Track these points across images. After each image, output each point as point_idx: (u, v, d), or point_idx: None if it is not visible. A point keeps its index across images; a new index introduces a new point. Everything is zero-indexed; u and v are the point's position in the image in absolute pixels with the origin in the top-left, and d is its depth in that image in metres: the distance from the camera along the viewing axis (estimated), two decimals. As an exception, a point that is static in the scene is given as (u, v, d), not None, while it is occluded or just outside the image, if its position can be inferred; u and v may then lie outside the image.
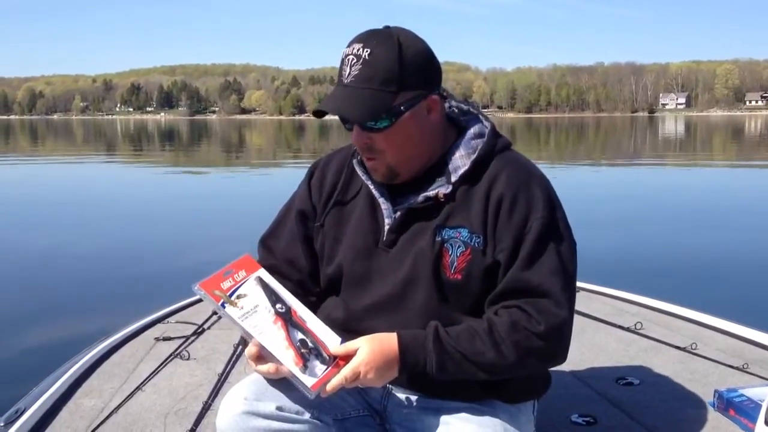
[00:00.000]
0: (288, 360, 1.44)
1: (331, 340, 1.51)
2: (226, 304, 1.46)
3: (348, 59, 1.51)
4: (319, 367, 1.46)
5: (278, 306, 1.51)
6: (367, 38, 1.51)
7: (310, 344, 1.47)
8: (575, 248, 1.59)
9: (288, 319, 1.50)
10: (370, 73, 1.49)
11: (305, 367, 1.44)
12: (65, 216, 11.04)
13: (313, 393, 1.44)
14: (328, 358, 1.47)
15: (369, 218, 1.64)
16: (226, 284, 1.49)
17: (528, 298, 1.50)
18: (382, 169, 1.58)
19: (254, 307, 1.49)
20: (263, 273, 1.56)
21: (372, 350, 1.46)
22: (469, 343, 1.48)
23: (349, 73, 1.50)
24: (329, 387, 1.44)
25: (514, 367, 1.50)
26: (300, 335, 1.48)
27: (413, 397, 1.64)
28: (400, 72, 1.50)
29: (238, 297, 1.48)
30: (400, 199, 1.62)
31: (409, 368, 1.49)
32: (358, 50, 1.50)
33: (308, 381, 1.43)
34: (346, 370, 1.44)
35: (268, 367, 1.47)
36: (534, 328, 1.48)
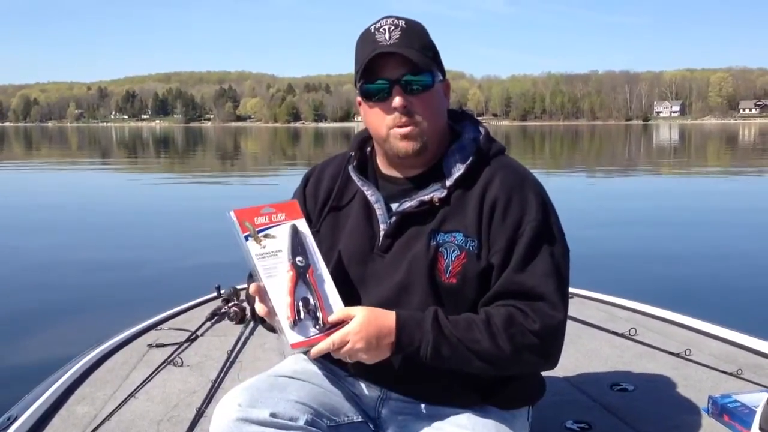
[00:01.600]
0: (281, 311, 1.45)
1: (335, 309, 1.50)
2: (250, 238, 1.47)
3: (385, 28, 1.55)
4: (311, 330, 1.45)
5: (298, 259, 1.50)
6: (395, 17, 1.58)
7: (311, 304, 1.47)
8: (568, 253, 1.60)
9: (302, 274, 1.49)
10: (411, 38, 1.55)
11: (295, 324, 1.44)
12: (59, 223, 11.01)
13: (291, 351, 1.44)
14: (323, 324, 1.46)
15: (364, 224, 1.65)
16: (259, 220, 1.50)
17: (522, 299, 1.51)
18: (416, 136, 1.57)
19: (276, 251, 1.49)
20: (301, 223, 1.55)
21: (367, 321, 1.45)
22: (467, 331, 1.48)
23: (391, 37, 1.54)
24: (315, 350, 1.44)
25: (508, 360, 1.49)
26: (306, 293, 1.48)
27: (408, 404, 1.64)
28: (431, 45, 1.59)
29: (266, 236, 1.49)
30: (394, 205, 1.62)
31: (403, 347, 1.48)
32: (394, 21, 1.56)
33: (291, 338, 1.43)
34: (335, 336, 1.44)
35: (261, 307, 1.50)
36: (530, 325, 1.48)
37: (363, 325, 1.45)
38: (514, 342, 1.48)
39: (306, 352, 1.48)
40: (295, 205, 1.58)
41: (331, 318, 1.47)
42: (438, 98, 1.60)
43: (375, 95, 1.57)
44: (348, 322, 1.46)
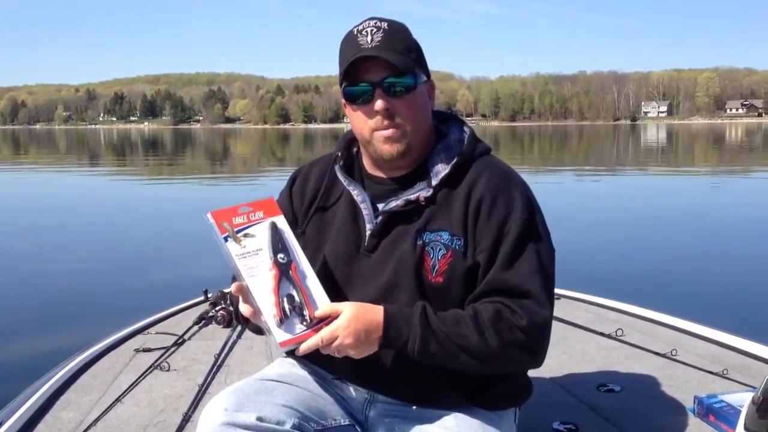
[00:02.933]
0: (267, 310, 1.43)
1: (321, 304, 1.49)
2: (229, 239, 1.46)
3: (367, 30, 1.56)
4: (298, 327, 1.45)
5: (280, 256, 1.49)
6: (378, 18, 1.59)
7: (296, 301, 1.46)
8: (554, 252, 1.61)
9: (285, 271, 1.48)
10: (394, 40, 1.56)
11: (281, 322, 1.43)
12: (44, 226, 10.91)
13: (281, 349, 1.43)
14: (309, 320, 1.45)
15: (350, 223, 1.65)
16: (238, 220, 1.49)
17: (509, 297, 1.52)
18: (399, 139, 1.58)
19: (256, 249, 1.48)
20: (280, 220, 1.54)
21: (355, 316, 1.45)
22: (454, 326, 1.48)
23: (373, 39, 1.54)
24: (303, 347, 1.44)
25: (495, 356, 1.49)
26: (290, 290, 1.47)
27: (395, 406, 1.64)
28: (414, 47, 1.59)
29: (245, 236, 1.48)
30: (381, 205, 1.63)
31: (390, 342, 1.48)
32: (376, 23, 1.57)
33: (279, 336, 1.43)
34: (324, 332, 1.44)
35: (247, 307, 1.48)
36: (517, 321, 1.49)
37: (351, 320, 1.44)
38: (502, 338, 1.48)
39: (294, 350, 1.47)
40: (273, 203, 1.57)
41: (318, 313, 1.46)
42: (421, 99, 1.60)
43: (358, 98, 1.58)
44: (335, 318, 1.46)
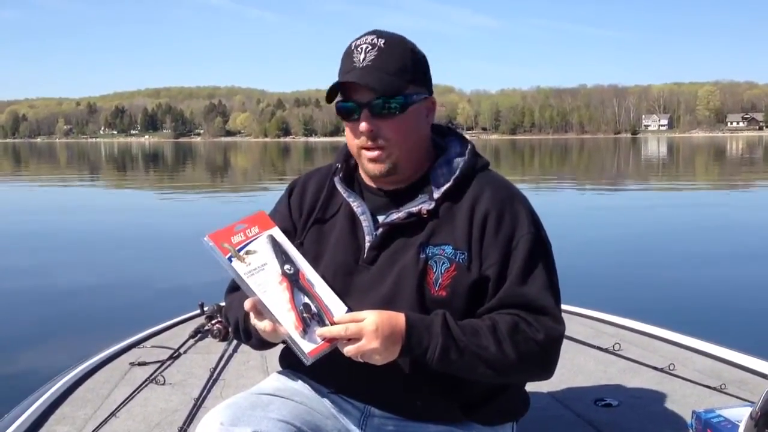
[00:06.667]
0: (288, 323, 1.42)
1: (337, 309, 1.48)
2: (233, 258, 1.45)
3: (362, 47, 1.55)
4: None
5: (287, 267, 1.48)
6: (379, 32, 1.58)
7: (313, 309, 1.45)
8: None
9: (294, 281, 1.47)
10: (386, 60, 1.54)
11: (304, 332, 1.42)
12: (41, 240, 10.91)
13: (310, 359, 1.42)
14: (330, 325, 1.44)
15: (349, 235, 1.64)
16: (236, 238, 1.47)
17: (524, 311, 1.52)
18: (383, 160, 1.58)
19: (262, 264, 1.47)
20: (276, 231, 1.54)
21: (381, 321, 1.43)
22: (474, 336, 1.48)
23: (365, 58, 1.53)
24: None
25: (512, 367, 1.50)
26: (305, 299, 1.46)
27: (392, 421, 1.63)
28: (411, 65, 1.57)
29: (247, 253, 1.47)
30: (381, 217, 1.62)
31: (412, 349, 1.46)
32: (373, 40, 1.55)
33: (306, 347, 1.41)
34: (351, 325, 1.42)
35: (265, 324, 1.46)
36: (534, 335, 1.49)
37: (378, 325, 1.42)
38: (519, 350, 1.48)
39: (313, 361, 1.45)
40: (264, 216, 1.57)
41: (337, 319, 1.46)
42: (412, 120, 1.59)
43: (346, 116, 1.59)
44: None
